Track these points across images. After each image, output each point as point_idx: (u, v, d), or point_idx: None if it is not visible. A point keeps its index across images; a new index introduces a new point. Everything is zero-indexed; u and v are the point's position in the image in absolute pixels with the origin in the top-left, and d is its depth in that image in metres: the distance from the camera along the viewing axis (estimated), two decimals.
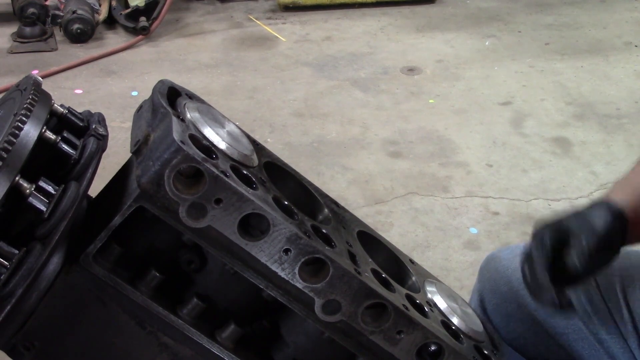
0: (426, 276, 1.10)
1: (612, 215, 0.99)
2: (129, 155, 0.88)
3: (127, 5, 4.65)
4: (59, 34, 4.51)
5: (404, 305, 0.90)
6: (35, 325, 0.83)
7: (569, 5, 5.13)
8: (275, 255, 0.83)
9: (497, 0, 5.26)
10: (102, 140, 0.89)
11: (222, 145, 0.86)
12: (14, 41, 4.45)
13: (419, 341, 0.91)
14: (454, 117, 3.65)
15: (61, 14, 4.48)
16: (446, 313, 1.00)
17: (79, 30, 4.42)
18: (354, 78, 4.07)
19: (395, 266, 1.07)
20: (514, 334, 1.27)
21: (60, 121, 0.90)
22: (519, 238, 2.74)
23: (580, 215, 1.01)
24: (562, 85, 3.97)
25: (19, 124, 0.79)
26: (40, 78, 0.89)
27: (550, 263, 0.98)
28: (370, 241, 1.06)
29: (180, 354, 0.89)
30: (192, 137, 0.82)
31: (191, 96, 0.99)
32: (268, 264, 0.84)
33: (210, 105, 0.98)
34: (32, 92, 0.84)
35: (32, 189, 0.78)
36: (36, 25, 4.43)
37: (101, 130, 0.89)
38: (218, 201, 0.80)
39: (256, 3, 5.26)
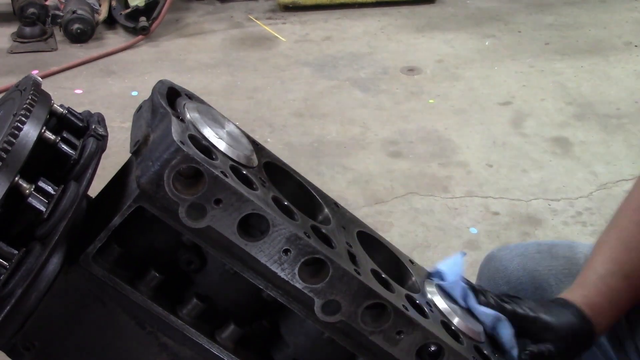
0: (426, 276, 1.10)
1: (578, 319, 1.01)
2: (129, 155, 0.88)
3: (127, 5, 4.65)
4: (59, 34, 4.52)
5: (403, 305, 0.90)
6: (35, 325, 0.83)
7: (569, 5, 5.14)
8: (275, 256, 0.83)
9: (497, 0, 5.26)
10: (102, 141, 0.88)
11: (221, 145, 0.86)
12: (14, 41, 4.45)
13: (419, 341, 0.91)
14: (454, 117, 3.65)
15: (61, 14, 4.48)
16: (446, 313, 1.00)
17: (79, 30, 4.43)
18: (354, 78, 4.07)
19: (395, 266, 1.07)
20: None
21: (59, 121, 0.90)
22: (519, 238, 2.74)
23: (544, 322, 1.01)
24: (562, 85, 3.97)
25: (19, 124, 0.78)
26: (40, 78, 0.89)
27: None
28: (370, 241, 1.06)
29: (180, 354, 0.89)
30: (192, 138, 0.82)
31: (191, 96, 0.99)
32: (268, 264, 0.84)
33: (209, 106, 0.98)
34: (31, 92, 0.84)
35: (32, 189, 0.78)
36: (36, 25, 4.43)
37: (101, 131, 0.89)
38: (218, 201, 0.80)
39: (256, 3, 5.26)
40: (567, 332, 1.00)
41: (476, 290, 1.03)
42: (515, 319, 1.00)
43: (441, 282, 1.03)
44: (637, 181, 1.16)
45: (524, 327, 1.00)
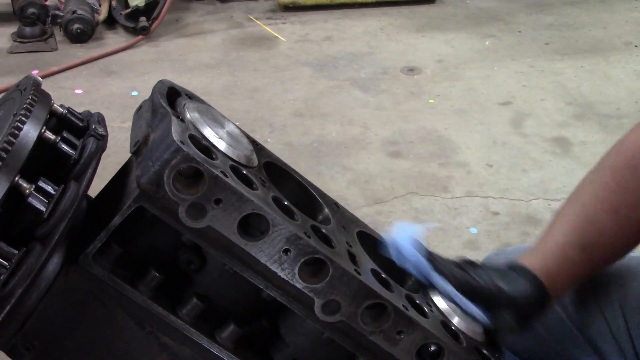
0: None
1: (534, 287, 1.01)
2: (129, 155, 0.88)
3: (127, 5, 4.65)
4: (59, 34, 4.52)
5: (403, 305, 0.90)
6: (35, 325, 0.83)
7: (569, 5, 5.14)
8: (274, 256, 0.83)
9: (497, 0, 5.26)
10: (102, 141, 0.89)
11: (221, 145, 0.86)
12: (14, 41, 4.45)
13: (419, 341, 0.91)
14: (454, 117, 3.65)
15: (61, 14, 4.48)
16: (446, 313, 1.00)
17: (79, 30, 4.43)
18: (354, 78, 4.07)
19: (395, 267, 1.07)
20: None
21: (59, 121, 0.90)
22: (519, 238, 2.74)
23: (501, 289, 1.01)
24: (562, 85, 3.97)
25: (19, 124, 0.79)
26: (40, 78, 0.89)
27: None
28: (370, 241, 1.06)
29: (180, 354, 0.89)
30: (192, 137, 0.82)
31: (191, 96, 0.99)
32: (268, 264, 0.84)
33: (210, 106, 0.98)
34: (31, 92, 0.84)
35: (32, 189, 0.78)
36: (36, 25, 4.43)
37: (101, 131, 0.89)
38: (218, 201, 0.80)
39: (256, 3, 5.26)
40: (523, 301, 1.00)
41: (430, 260, 1.03)
42: (470, 290, 1.00)
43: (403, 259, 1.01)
44: (599, 162, 1.16)
45: (479, 296, 1.00)
